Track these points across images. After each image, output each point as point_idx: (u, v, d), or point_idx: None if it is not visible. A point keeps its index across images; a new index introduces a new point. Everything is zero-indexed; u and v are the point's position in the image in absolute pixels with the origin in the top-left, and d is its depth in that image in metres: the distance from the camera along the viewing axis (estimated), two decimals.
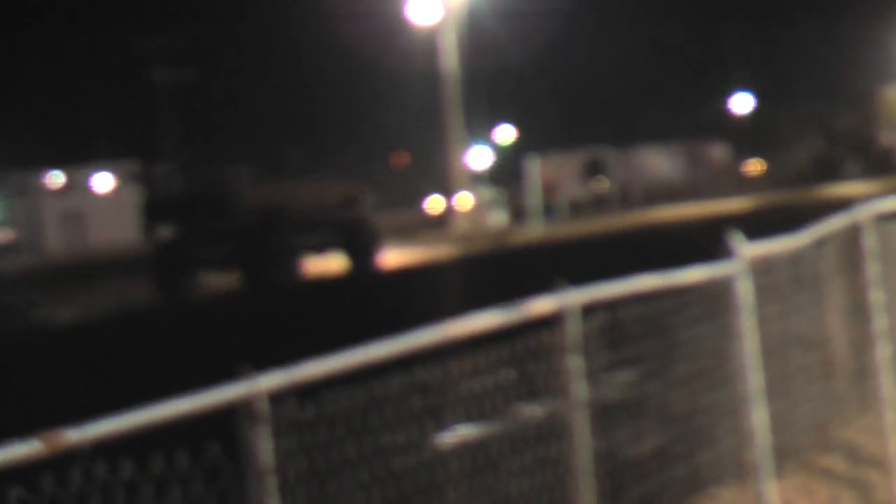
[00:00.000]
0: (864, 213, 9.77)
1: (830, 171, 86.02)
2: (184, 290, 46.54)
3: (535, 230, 61.10)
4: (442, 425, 6.29)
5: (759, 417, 7.71)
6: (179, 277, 46.91)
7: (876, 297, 9.58)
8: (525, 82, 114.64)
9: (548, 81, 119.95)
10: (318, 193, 51.01)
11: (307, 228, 48.54)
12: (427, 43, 65.07)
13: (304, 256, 49.35)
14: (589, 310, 6.60)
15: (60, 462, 4.33)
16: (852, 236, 9.59)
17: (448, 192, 65.32)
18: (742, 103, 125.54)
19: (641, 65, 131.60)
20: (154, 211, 49.79)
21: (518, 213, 73.82)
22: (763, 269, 8.10)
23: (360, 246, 50.58)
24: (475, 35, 66.67)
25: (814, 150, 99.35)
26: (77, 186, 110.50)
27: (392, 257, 51.58)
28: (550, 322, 6.38)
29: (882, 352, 9.52)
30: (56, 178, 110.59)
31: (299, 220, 48.44)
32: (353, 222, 50.78)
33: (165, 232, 49.08)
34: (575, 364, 6.38)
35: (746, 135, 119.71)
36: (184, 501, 4.98)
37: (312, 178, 52.60)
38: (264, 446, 4.74)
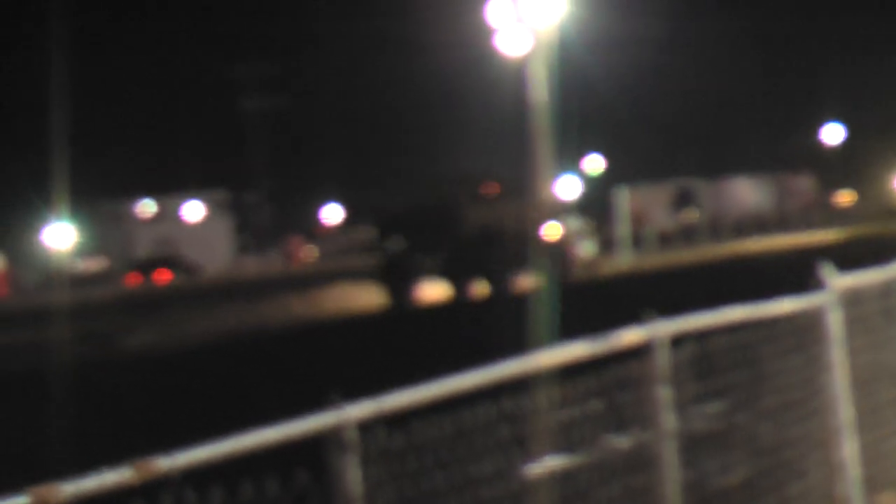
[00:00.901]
0: None
1: None
2: (407, 297, 49.14)
3: (624, 261, 60.90)
4: (530, 455, 6.29)
5: (849, 449, 7.66)
6: (405, 286, 49.50)
7: None
8: (615, 112, 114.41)
9: (637, 112, 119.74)
10: (524, 214, 52.89)
11: (516, 245, 50.93)
12: (517, 73, 65.11)
13: (514, 271, 51.34)
14: (678, 340, 6.59)
15: (153, 488, 4.36)
16: None
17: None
18: (832, 134, 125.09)
19: (731, 96, 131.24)
20: (386, 227, 52.56)
21: (607, 244, 73.70)
22: (853, 301, 8.06)
23: (557, 262, 51.16)
24: (565, 65, 66.61)
25: None
26: (168, 215, 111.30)
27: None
28: (639, 353, 6.38)
29: None
30: (148, 207, 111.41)
31: (512, 237, 51.56)
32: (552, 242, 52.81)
33: (395, 245, 51.28)
34: (663, 395, 6.37)
35: (836, 166, 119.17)
36: None
37: (521, 200, 54.20)
38: (352, 475, 4.75)
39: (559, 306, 26.42)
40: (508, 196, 55.38)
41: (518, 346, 6.56)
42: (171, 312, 51.31)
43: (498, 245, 51.23)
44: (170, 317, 49.75)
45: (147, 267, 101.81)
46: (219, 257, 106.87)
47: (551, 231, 52.93)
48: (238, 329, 44.91)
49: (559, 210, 57.74)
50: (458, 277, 50.48)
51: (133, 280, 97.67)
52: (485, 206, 53.64)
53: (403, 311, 47.46)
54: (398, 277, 50.26)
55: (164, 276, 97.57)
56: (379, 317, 46.24)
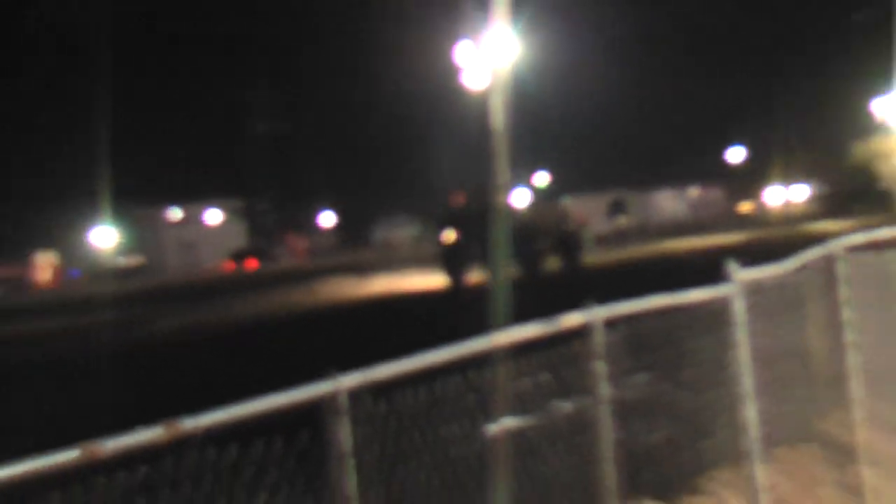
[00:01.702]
0: (836, 245, 9.75)
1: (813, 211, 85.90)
2: (461, 279, 50.30)
3: (551, 262, 60.99)
4: (491, 417, 6.29)
5: (750, 413, 7.68)
6: (459, 270, 50.69)
7: (846, 315, 9.54)
8: (559, 135, 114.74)
9: (578, 135, 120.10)
10: (552, 211, 58.94)
11: (544, 236, 54.25)
12: (480, 104, 65.37)
13: (545, 256, 54.05)
14: (612, 323, 6.59)
15: (180, 445, 4.35)
16: (827, 264, 9.57)
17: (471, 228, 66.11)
18: (736, 154, 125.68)
19: (655, 122, 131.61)
20: (443, 222, 54.94)
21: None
22: (754, 291, 8.08)
23: (571, 250, 55.23)
24: (518, 97, 66.68)
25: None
26: (192, 219, 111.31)
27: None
28: (580, 334, 6.38)
29: (852, 360, 9.48)
30: (175, 213, 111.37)
31: (542, 230, 54.33)
32: (566, 234, 55.88)
33: (451, 235, 53.28)
34: (599, 368, 6.38)
35: (739, 181, 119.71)
36: (279, 479, 5.00)
37: (551, 202, 60.10)
38: (344, 435, 4.75)
39: (540, 294, 26.80)
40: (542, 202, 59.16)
41: (531, 315, 6.56)
42: (209, 298, 51.16)
43: (526, 240, 52.74)
44: (212, 301, 49.45)
45: (239, 256, 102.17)
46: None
47: (567, 228, 56.40)
48: (271, 311, 44.94)
49: (567, 214, 60.50)
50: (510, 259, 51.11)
51: (228, 267, 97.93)
52: (524, 209, 57.70)
53: (459, 290, 48.50)
54: (454, 263, 51.76)
55: (252, 264, 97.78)
56: (440, 294, 47.13)
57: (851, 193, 78.60)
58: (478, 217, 49.98)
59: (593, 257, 56.80)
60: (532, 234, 53.99)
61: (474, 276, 50.26)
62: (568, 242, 55.87)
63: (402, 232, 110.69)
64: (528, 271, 52.16)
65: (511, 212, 54.93)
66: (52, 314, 51.19)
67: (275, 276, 72.11)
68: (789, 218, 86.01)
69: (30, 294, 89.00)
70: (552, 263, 54.33)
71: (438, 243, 54.65)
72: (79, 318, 45.01)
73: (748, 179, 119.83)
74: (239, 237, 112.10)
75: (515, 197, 73.66)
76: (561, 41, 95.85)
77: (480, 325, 7.11)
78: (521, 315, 6.77)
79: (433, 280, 51.96)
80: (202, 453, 4.56)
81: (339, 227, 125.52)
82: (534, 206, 58.91)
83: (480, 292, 40.24)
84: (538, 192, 59.77)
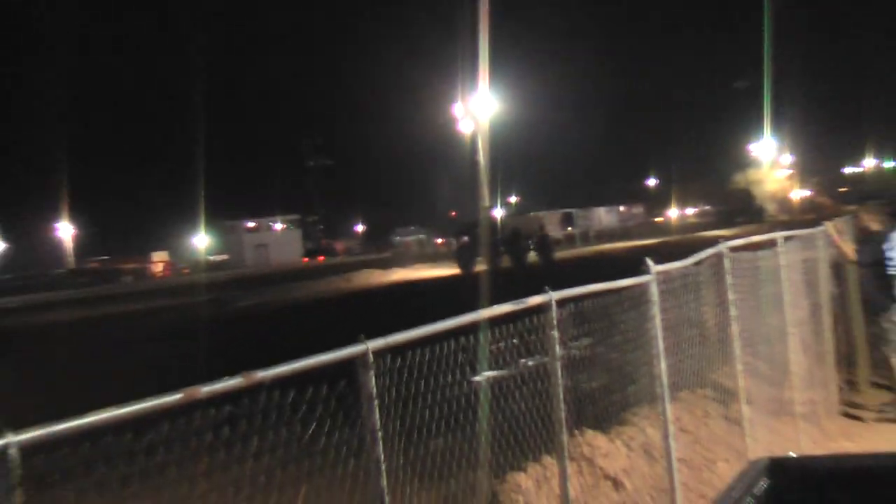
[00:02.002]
0: (723, 246, 9.77)
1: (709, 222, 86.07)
2: (471, 268, 51.67)
3: (532, 256, 61.06)
4: (476, 370, 6.30)
5: (662, 366, 7.68)
6: (469, 262, 52.56)
7: (730, 296, 9.55)
8: (526, 167, 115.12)
9: (539, 167, 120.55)
10: (531, 223, 61.20)
11: (527, 239, 56.38)
12: (469, 144, 65.49)
13: (528, 252, 55.71)
14: (562, 303, 6.59)
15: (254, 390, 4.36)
16: (717, 260, 9.59)
17: (468, 233, 66.61)
18: (652, 181, 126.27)
19: (596, 157, 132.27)
20: (458, 230, 57.68)
21: None
22: (665, 279, 8.08)
23: (547, 249, 57.09)
24: (495, 139, 67.17)
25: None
26: (262, 228, 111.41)
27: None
28: (541, 310, 6.38)
29: (734, 328, 9.49)
30: (250, 223, 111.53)
31: (527, 233, 57.06)
32: (543, 237, 58.04)
33: (464, 239, 56.01)
34: (554, 335, 6.37)
35: (655, 200, 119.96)
36: (324, 414, 5.01)
37: (529, 216, 63.74)
38: (370, 382, 4.75)
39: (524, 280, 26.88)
40: (521, 215, 62.57)
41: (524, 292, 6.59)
42: (276, 284, 51.10)
43: (517, 240, 55.33)
44: (274, 287, 49.35)
45: (313, 253, 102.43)
46: (292, 255, 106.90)
47: (545, 233, 59.37)
48: (329, 292, 45.03)
49: (544, 223, 62.97)
50: (496, 257, 53.24)
51: (305, 260, 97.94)
52: (510, 219, 59.95)
53: (468, 276, 48.80)
54: (465, 258, 53.41)
55: (321, 259, 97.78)
56: (457, 278, 47.30)
57: (734, 210, 78.50)
58: (479, 227, 54.25)
59: (557, 254, 57.18)
60: (519, 236, 55.88)
61: (479, 267, 51.07)
62: (544, 243, 57.67)
63: (412, 237, 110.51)
64: (517, 262, 53.66)
65: (504, 221, 57.84)
66: (164, 296, 51.26)
67: (320, 268, 72.19)
68: (688, 227, 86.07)
69: (148, 281, 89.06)
70: (532, 257, 55.65)
71: (455, 245, 56.72)
72: (183, 299, 45.13)
73: (659, 199, 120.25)
74: (296, 241, 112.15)
75: (495, 213, 73.91)
76: (526, 100, 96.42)
77: (475, 301, 7.16)
78: (509, 293, 6.77)
79: (435, 272, 52.08)
80: (269, 395, 4.57)
81: (366, 234, 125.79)
82: (520, 218, 61.32)
83: (481, 277, 41.24)
84: (512, 209, 60.25)
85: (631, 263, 7.85)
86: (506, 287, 9.16)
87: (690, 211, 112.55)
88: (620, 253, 50.12)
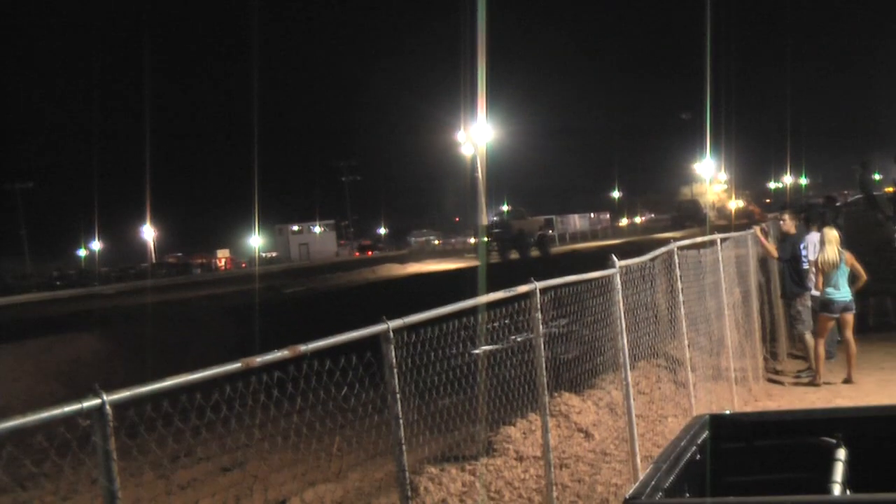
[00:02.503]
0: (673, 245, 9.74)
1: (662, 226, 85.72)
2: (506, 256, 54.11)
3: (532, 251, 61.11)
4: (475, 345, 6.28)
5: (624, 341, 7.66)
6: (502, 252, 54.76)
7: (678, 285, 9.52)
8: (515, 183, 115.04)
9: (524, 182, 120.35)
10: (534, 223, 61.41)
11: (531, 236, 57.77)
12: (471, 163, 65.66)
13: (530, 247, 56.83)
14: (545, 290, 6.57)
15: (298, 360, 4.35)
16: (669, 256, 9.56)
17: (479, 234, 66.57)
18: (617, 191, 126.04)
19: (571, 174, 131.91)
20: (491, 228, 57.97)
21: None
22: (626, 272, 8.06)
23: (545, 244, 58.67)
24: (491, 159, 67.60)
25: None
26: (304, 231, 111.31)
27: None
28: (527, 296, 6.36)
29: (681, 311, 9.46)
30: (295, 227, 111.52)
31: (529, 233, 57.94)
32: (542, 236, 59.53)
33: (495, 235, 57.16)
34: (538, 316, 6.35)
35: (618, 208, 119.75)
36: (354, 379, 5.01)
37: (531, 219, 62.58)
38: (391, 353, 4.73)
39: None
40: (526, 217, 62.03)
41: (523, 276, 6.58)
42: (313, 275, 51.06)
43: (522, 238, 56.45)
44: (316, 277, 49.26)
45: (366, 247, 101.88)
46: (329, 252, 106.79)
47: (543, 233, 60.76)
48: (369, 278, 45.19)
49: (543, 225, 63.75)
50: (512, 249, 55.29)
51: (368, 253, 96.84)
52: (519, 221, 59.50)
53: (505, 262, 50.51)
54: (502, 249, 55.16)
55: (370, 252, 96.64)
56: (497, 263, 48.23)
57: (684, 216, 77.88)
58: (506, 227, 57.18)
59: (534, 253, 57.13)
60: (524, 235, 56.95)
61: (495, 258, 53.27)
62: (543, 241, 58.92)
63: (425, 238, 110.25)
64: (522, 255, 54.58)
65: (511, 223, 58.53)
66: (230, 284, 51.24)
67: (352, 262, 72.11)
68: (646, 230, 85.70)
69: (214, 273, 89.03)
70: (534, 252, 56.66)
71: (492, 240, 57.06)
72: (245, 286, 45.13)
73: (621, 208, 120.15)
74: (331, 241, 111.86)
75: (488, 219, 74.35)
76: (517, 128, 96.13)
77: (472, 288, 7.16)
78: (516, 279, 6.74)
79: (442, 266, 51.93)
80: (310, 364, 4.56)
81: (388, 235, 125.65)
82: (524, 220, 60.34)
83: (496, 267, 42.32)
84: (506, 214, 60.42)
85: (601, 259, 7.83)
86: (513, 273, 9.18)
87: (647, 217, 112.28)
88: (592, 250, 50.03)
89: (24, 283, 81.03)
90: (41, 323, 29.62)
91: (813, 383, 11.92)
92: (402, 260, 61.04)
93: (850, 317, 11.97)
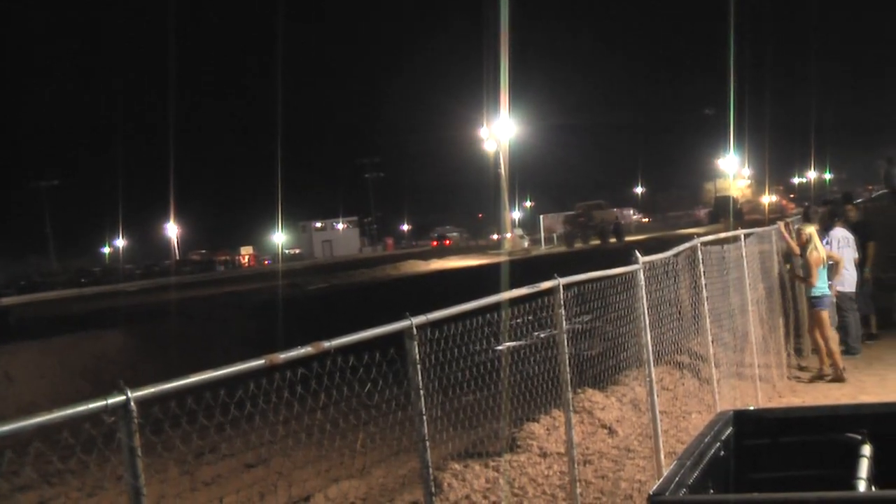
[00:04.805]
0: (697, 241, 9.70)
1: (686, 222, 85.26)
2: (572, 245, 58.53)
3: (542, 249, 60.69)
4: (499, 341, 6.28)
5: (648, 337, 7.64)
6: (585, 240, 59.75)
7: (702, 281, 9.47)
8: (539, 179, 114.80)
9: (548, 179, 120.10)
10: (611, 214, 65.03)
11: (610, 224, 61.53)
12: (493, 160, 65.63)
13: (609, 235, 59.71)
14: (568, 286, 6.56)
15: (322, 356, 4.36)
16: (692, 252, 9.52)
17: (502, 231, 66.39)
18: (641, 189, 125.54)
19: (595, 171, 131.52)
20: (576, 218, 62.79)
21: (535, 241, 73.30)
22: (649, 268, 8.03)
23: (619, 233, 61.16)
24: (513, 156, 67.58)
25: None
26: (328, 228, 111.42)
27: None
28: (551, 291, 6.35)
29: (705, 306, 9.42)
30: (318, 224, 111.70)
31: (609, 222, 61.96)
32: (617, 225, 62.87)
33: (568, 226, 62.79)
34: (561, 312, 6.34)
35: (643, 205, 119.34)
36: (377, 375, 5.02)
37: (608, 210, 65.73)
38: (414, 350, 4.73)
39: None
40: (604, 208, 65.38)
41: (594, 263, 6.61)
42: (336, 272, 51.16)
43: (603, 226, 60.48)
44: (339, 274, 49.34)
45: (437, 238, 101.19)
46: (352, 249, 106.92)
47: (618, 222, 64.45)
48: (396, 274, 45.24)
49: (618, 216, 67.21)
50: (594, 237, 59.72)
51: (434, 244, 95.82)
52: (596, 211, 62.99)
53: (572, 250, 53.11)
54: (584, 237, 59.74)
55: (441, 243, 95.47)
56: (564, 253, 49.85)
57: (717, 212, 76.87)
58: (581, 217, 61.99)
59: (557, 249, 57.39)
60: (604, 223, 61.02)
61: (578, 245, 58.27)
62: (618, 229, 61.90)
63: (448, 235, 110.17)
64: (602, 242, 58.81)
65: (591, 213, 62.19)
66: (254, 281, 51.45)
67: (374, 258, 72.28)
68: (673, 226, 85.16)
69: (238, 270, 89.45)
70: (611, 239, 59.25)
71: (575, 228, 61.37)
72: (268, 283, 45.29)
73: (647, 204, 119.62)
74: (353, 238, 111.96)
75: (513, 214, 74.27)
76: (539, 124, 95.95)
77: (496, 284, 7.16)
78: (604, 262, 6.77)
79: (464, 262, 51.88)
80: (334, 360, 4.57)
81: (411, 232, 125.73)
82: (602, 211, 64.27)
83: (588, 251, 44.09)
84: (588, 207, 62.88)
85: (623, 256, 7.78)
86: (607, 255, 9.22)
87: (679, 213, 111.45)
88: (646, 242, 49.89)
89: (50, 281, 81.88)
90: (66, 320, 29.86)
91: (837, 379, 11.84)
92: (425, 256, 61.08)
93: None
